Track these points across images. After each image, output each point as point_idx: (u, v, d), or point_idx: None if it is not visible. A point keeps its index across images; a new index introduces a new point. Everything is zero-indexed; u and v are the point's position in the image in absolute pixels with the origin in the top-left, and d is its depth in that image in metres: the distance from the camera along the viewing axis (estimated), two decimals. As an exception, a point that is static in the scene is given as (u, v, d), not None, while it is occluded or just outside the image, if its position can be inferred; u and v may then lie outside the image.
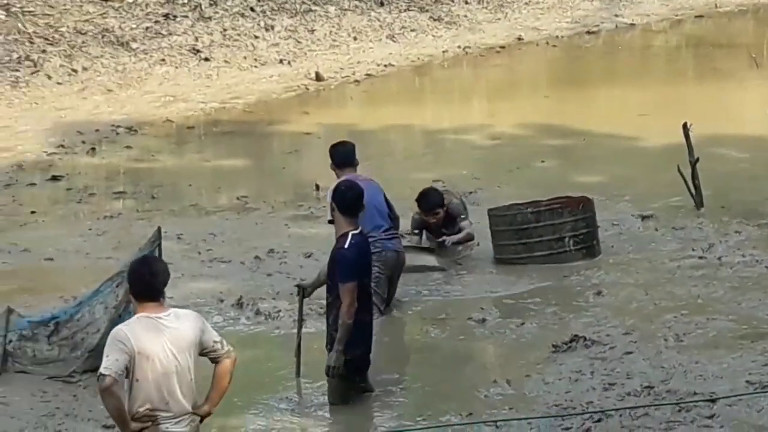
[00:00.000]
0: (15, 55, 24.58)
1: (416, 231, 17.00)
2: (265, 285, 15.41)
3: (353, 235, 12.10)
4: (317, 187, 14.29)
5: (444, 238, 16.77)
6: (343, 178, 13.62)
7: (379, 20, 28.59)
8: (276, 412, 12.79)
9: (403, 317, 14.49)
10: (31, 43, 25.14)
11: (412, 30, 28.46)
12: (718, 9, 31.23)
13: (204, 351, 9.84)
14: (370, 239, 13.52)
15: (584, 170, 18.46)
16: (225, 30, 27.06)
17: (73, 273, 15.48)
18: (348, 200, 12.32)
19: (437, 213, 16.31)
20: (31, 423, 11.87)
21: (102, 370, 9.32)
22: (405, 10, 29.14)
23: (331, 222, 12.71)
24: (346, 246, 11.90)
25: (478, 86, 25.99)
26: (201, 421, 9.90)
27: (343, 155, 13.27)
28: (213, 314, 14.22)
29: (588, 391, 12.46)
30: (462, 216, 16.86)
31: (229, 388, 9.82)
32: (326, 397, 12.68)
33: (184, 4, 27.60)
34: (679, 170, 17.69)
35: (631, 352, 13.29)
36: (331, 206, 12.35)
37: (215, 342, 9.71)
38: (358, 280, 11.91)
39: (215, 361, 9.63)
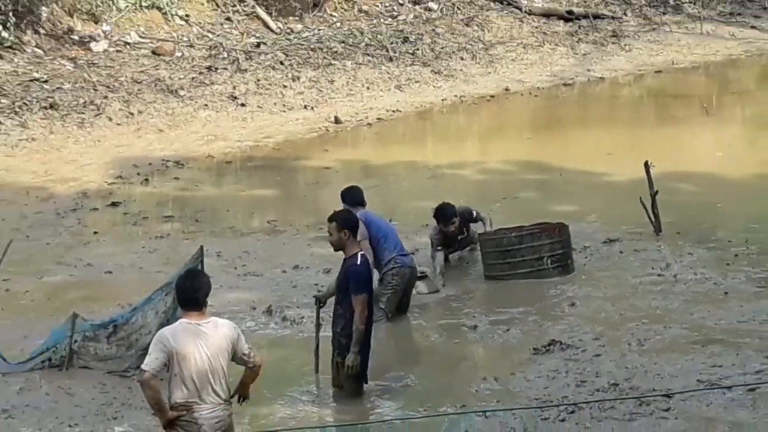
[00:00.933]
0: (81, 101, 24.54)
1: (439, 247, 16.68)
2: (291, 295, 15.39)
3: (361, 254, 12.18)
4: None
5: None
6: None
7: (388, 73, 28.58)
8: (299, 403, 12.82)
9: (407, 323, 14.47)
10: (95, 90, 25.10)
11: (416, 81, 28.44)
12: (674, 65, 31.18)
13: (235, 358, 10.08)
14: (391, 257, 14.37)
15: (560, 201, 18.43)
16: (258, 80, 27.03)
17: (128, 284, 15.46)
18: (354, 223, 12.44)
19: (453, 222, 16.27)
20: (92, 410, 11.87)
21: (143, 365, 9.69)
22: (410, 65, 29.13)
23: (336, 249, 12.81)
24: (358, 263, 11.94)
25: (471, 129, 25.96)
26: (241, 400, 10.23)
27: (354, 197, 13.24)
28: (246, 320, 14.21)
29: (563, 387, 12.46)
30: (473, 211, 17.05)
31: (259, 383, 10.14)
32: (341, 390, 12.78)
33: (224, 59, 27.59)
34: (641, 201, 17.67)
35: (599, 355, 13.28)
36: (343, 233, 12.46)
37: (245, 354, 9.98)
38: (367, 292, 11.97)
39: (248, 367, 10.01)
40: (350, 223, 12.32)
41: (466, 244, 17.13)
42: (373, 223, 14.16)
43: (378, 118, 25.97)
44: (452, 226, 16.30)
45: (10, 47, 25.33)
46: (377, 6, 31.56)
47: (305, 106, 26.36)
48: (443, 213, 16.38)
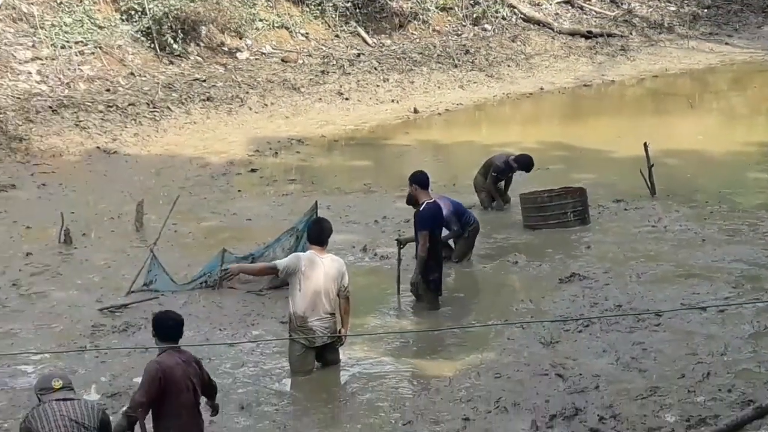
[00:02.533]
0: (229, 95, 24.60)
1: (500, 176, 17.39)
2: (380, 238, 15.43)
3: (427, 203, 12.38)
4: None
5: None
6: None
7: (453, 76, 28.40)
8: (385, 315, 13.09)
9: (469, 261, 14.48)
10: (240, 87, 25.14)
11: (474, 83, 28.24)
12: (667, 72, 30.79)
13: (337, 288, 10.50)
14: (465, 214, 14.67)
15: (580, 171, 18.35)
16: (358, 81, 26.96)
17: (263, 228, 15.53)
18: (424, 177, 12.70)
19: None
20: (236, 318, 12.09)
21: (278, 261, 10.70)
22: (470, 70, 28.93)
23: (408, 203, 13.23)
24: (421, 209, 12.33)
25: (514, 118, 25.81)
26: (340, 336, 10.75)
27: (425, 180, 13.00)
28: (348, 255, 14.22)
29: (580, 307, 12.53)
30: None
31: (355, 304, 10.77)
32: (413, 306, 13.07)
33: (333, 65, 27.54)
34: (641, 171, 17.50)
35: (608, 284, 13.24)
36: (414, 188, 12.68)
37: (344, 286, 10.57)
38: (429, 230, 12.24)
39: (342, 296, 10.56)
40: (418, 179, 12.62)
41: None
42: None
43: (446, 109, 25.87)
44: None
45: (178, 56, 25.41)
46: (446, 27, 31.35)
47: (392, 100, 26.28)
48: (531, 162, 17.23)
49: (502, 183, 17.46)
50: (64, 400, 7.30)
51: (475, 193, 17.43)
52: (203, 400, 8.29)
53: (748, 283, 13.16)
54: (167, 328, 8.38)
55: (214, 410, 8.58)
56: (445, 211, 13.36)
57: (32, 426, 7.09)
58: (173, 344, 8.35)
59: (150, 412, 8.08)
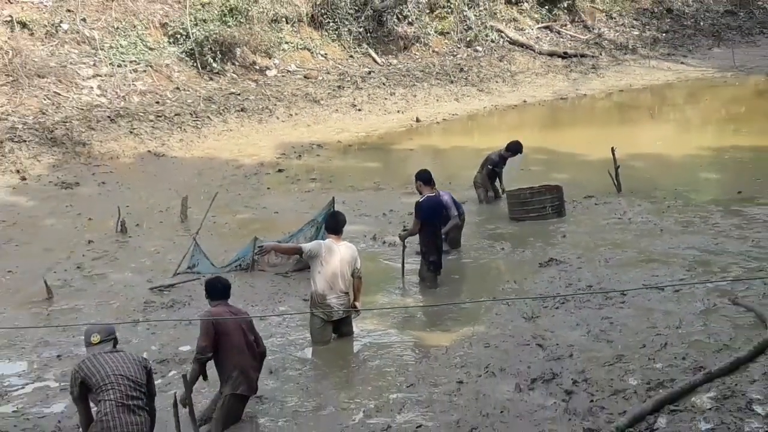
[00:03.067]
0: (260, 106, 24.61)
1: (496, 168, 17.43)
2: (388, 228, 15.39)
3: (427, 196, 12.66)
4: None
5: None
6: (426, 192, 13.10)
7: (450, 90, 28.38)
8: (391, 294, 13.13)
9: (460, 247, 14.46)
10: (269, 100, 25.15)
11: (467, 96, 28.22)
12: (631, 87, 30.70)
13: (351, 270, 10.66)
14: (459, 208, 14.61)
15: (557, 171, 18.31)
16: (369, 95, 26.95)
17: (288, 220, 15.52)
18: (427, 174, 12.94)
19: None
20: (265, 296, 12.15)
21: (303, 244, 11.09)
22: (464, 86, 28.91)
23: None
24: (420, 200, 12.58)
25: (501, 126, 25.73)
26: (355, 310, 10.99)
27: (426, 177, 13.09)
28: (360, 242, 14.21)
29: (557, 287, 12.50)
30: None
31: (365, 286, 10.85)
32: (415, 286, 13.15)
33: (348, 81, 27.55)
34: (608, 172, 17.43)
35: (580, 267, 13.22)
36: (418, 184, 12.96)
37: (357, 268, 10.73)
38: (423, 219, 12.51)
39: (355, 277, 10.72)
40: (421, 176, 12.91)
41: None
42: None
43: (443, 119, 25.85)
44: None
45: (217, 73, 25.41)
46: (444, 48, 31.32)
47: (398, 111, 26.26)
48: (519, 145, 17.26)
49: (497, 181, 17.57)
50: (111, 352, 7.38)
51: (474, 188, 17.51)
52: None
53: (699, 266, 13.12)
54: (217, 289, 9.00)
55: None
56: (446, 198, 13.96)
57: (83, 374, 7.24)
58: (220, 301, 8.98)
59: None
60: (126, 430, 7.12)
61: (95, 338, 7.50)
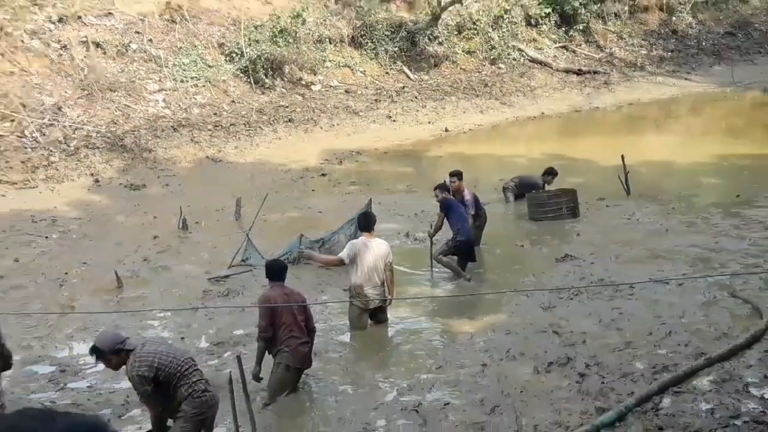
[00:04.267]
0: (306, 117, 24.69)
1: (516, 195, 17.34)
2: (419, 226, 15.35)
3: (444, 198, 13.34)
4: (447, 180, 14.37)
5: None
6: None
7: (476, 104, 28.31)
8: (421, 285, 13.19)
9: (482, 246, 14.41)
10: (313, 112, 25.31)
11: (491, 109, 28.16)
12: (640, 101, 30.51)
13: (384, 264, 10.70)
14: (480, 208, 14.63)
15: (573, 176, 18.20)
16: (403, 107, 26.96)
17: (330, 219, 15.53)
18: (442, 186, 13.59)
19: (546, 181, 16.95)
20: (309, 286, 12.16)
21: (341, 254, 10.74)
22: (488, 99, 28.84)
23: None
24: (445, 199, 13.13)
25: (522, 135, 25.70)
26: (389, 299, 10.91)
27: (444, 186, 13.38)
28: (394, 239, 14.26)
29: (572, 280, 12.54)
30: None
31: (397, 278, 10.49)
32: (443, 278, 13.24)
33: (384, 95, 27.59)
34: (619, 177, 17.38)
35: (593, 263, 13.20)
36: (437, 192, 13.49)
37: (390, 262, 10.74)
38: (444, 213, 13.18)
39: (387, 270, 10.73)
40: (441, 185, 13.48)
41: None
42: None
43: (469, 129, 25.83)
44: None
45: (268, 88, 25.48)
46: (470, 66, 31.24)
47: (428, 122, 26.23)
48: (550, 172, 17.00)
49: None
50: (158, 343, 7.42)
51: (503, 191, 17.57)
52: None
53: (701, 263, 13.09)
54: (273, 270, 9.38)
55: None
56: (468, 196, 14.16)
57: (156, 367, 6.94)
58: (280, 282, 9.27)
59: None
60: (216, 400, 7.29)
61: (124, 344, 7.06)
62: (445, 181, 13.93)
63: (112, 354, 6.98)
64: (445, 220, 13.20)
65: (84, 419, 1.21)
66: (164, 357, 6.94)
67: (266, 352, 9.00)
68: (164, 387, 6.92)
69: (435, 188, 13.56)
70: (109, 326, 11.15)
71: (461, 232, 12.90)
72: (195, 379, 7.04)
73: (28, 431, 1.14)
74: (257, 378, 8.75)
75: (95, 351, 7.09)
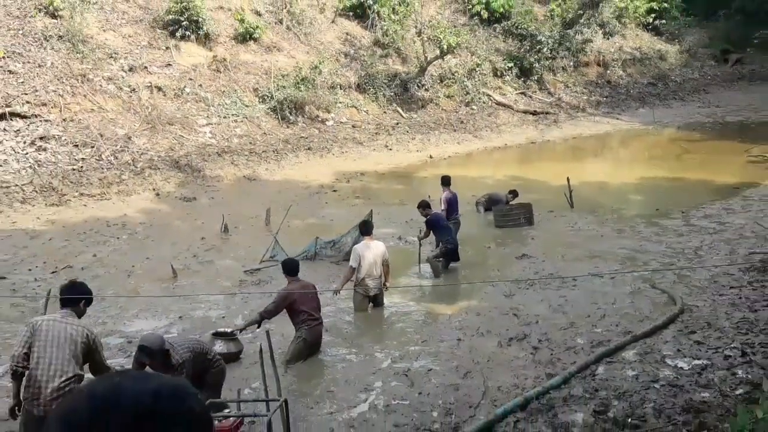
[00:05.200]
0: (321, 146, 24.66)
1: (486, 208, 17.26)
2: (408, 230, 15.31)
3: (435, 213, 13.15)
4: (429, 197, 14.37)
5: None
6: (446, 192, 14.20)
7: (454, 137, 28.22)
8: (411, 277, 13.10)
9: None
10: (327, 142, 25.24)
11: (466, 140, 28.07)
12: (581, 135, 30.47)
13: (382, 260, 10.73)
14: (456, 213, 14.38)
15: (529, 193, 18.11)
16: (397, 139, 26.87)
17: (341, 225, 15.42)
18: (423, 204, 13.52)
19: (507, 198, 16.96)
20: (323, 277, 12.05)
21: (351, 262, 10.60)
22: (464, 132, 28.77)
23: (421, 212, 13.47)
24: (428, 217, 13.02)
25: (489, 161, 25.62)
26: (386, 288, 10.86)
27: (426, 204, 13.40)
28: (390, 240, 14.19)
29: (528, 273, 12.52)
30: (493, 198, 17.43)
31: (392, 272, 9.98)
32: (427, 272, 12.91)
33: (382, 129, 27.57)
34: (565, 194, 17.42)
35: (544, 261, 13.23)
36: (420, 209, 13.52)
37: (386, 259, 10.68)
38: (430, 228, 13.10)
39: (384, 265, 10.74)
40: (422, 204, 13.40)
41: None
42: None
43: (449, 156, 25.78)
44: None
45: (291, 123, 25.45)
46: (449, 107, 31.17)
47: (417, 150, 26.17)
48: (512, 193, 17.00)
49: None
50: (176, 340, 7.41)
51: (476, 205, 17.54)
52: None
53: (628, 261, 13.11)
54: (287, 266, 9.55)
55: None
56: (451, 197, 14.35)
57: (199, 351, 7.15)
58: (295, 277, 9.41)
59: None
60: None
61: (167, 345, 6.89)
62: (429, 195, 14.00)
63: (159, 352, 6.72)
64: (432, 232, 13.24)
65: (171, 381, 1.22)
66: (203, 344, 7.39)
67: (257, 325, 9.28)
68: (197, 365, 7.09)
69: (418, 207, 13.57)
70: (164, 308, 11.17)
71: (449, 242, 12.88)
72: (218, 356, 7.53)
73: (127, 387, 1.15)
74: (242, 330, 9.33)
75: (144, 350, 6.73)
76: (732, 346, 8.72)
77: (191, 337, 7.26)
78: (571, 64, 36.97)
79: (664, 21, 42.61)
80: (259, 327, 9.23)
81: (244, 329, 9.34)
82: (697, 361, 8.40)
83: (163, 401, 1.17)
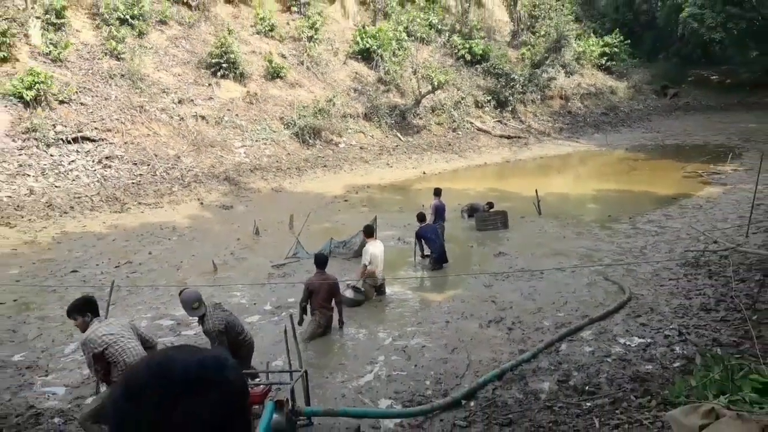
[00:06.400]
0: (335, 164, 24.65)
1: (469, 215, 17.04)
2: (407, 234, 15.17)
3: (422, 225, 12.83)
4: (423, 206, 14.29)
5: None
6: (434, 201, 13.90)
7: (443, 156, 28.16)
8: (408, 270, 12.87)
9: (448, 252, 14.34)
10: (339, 161, 25.23)
11: (453, 159, 28.02)
12: (547, 155, 30.34)
13: (383, 257, 10.71)
14: (443, 219, 14.18)
15: (504, 202, 18.08)
16: (397, 158, 26.86)
17: (352, 227, 15.39)
18: (420, 216, 13.20)
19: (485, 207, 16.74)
20: (338, 271, 11.83)
21: (363, 260, 10.56)
22: (451, 153, 28.70)
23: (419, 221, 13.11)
24: (421, 227, 12.68)
25: (473, 177, 25.48)
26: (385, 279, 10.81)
27: (422, 216, 13.19)
28: (390, 242, 14.17)
29: (505, 267, 12.35)
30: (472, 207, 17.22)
31: (391, 266, 9.61)
32: (422, 267, 12.85)
33: (384, 150, 27.55)
34: (533, 203, 17.38)
35: (518, 257, 13.14)
36: (417, 217, 13.14)
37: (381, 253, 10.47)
38: (420, 236, 12.66)
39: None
40: (419, 216, 13.00)
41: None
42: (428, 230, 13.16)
43: (439, 172, 25.68)
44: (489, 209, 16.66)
45: (311, 145, 25.46)
46: (439, 132, 31.13)
47: (413, 168, 26.12)
48: (489, 204, 16.77)
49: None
50: (222, 310, 7.18)
51: (461, 212, 17.36)
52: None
53: (586, 257, 13.01)
54: (319, 261, 9.47)
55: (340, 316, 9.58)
56: (438, 205, 14.21)
57: (228, 322, 7.06)
58: (321, 270, 9.35)
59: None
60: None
61: (195, 305, 6.90)
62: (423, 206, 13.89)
63: (188, 307, 6.83)
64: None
65: (213, 353, 1.24)
66: (231, 319, 7.11)
67: (303, 311, 9.23)
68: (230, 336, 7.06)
69: (417, 216, 13.31)
70: (206, 296, 11.15)
71: (435, 251, 12.66)
72: (246, 333, 7.33)
73: (177, 358, 1.18)
74: (300, 322, 9.06)
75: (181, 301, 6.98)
76: (671, 327, 8.70)
77: (226, 312, 7.24)
78: (539, 97, 36.96)
79: (614, 62, 42.68)
80: (305, 312, 9.28)
81: (301, 319, 9.17)
82: (642, 340, 8.38)
83: (206, 370, 1.19)
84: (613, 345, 8.27)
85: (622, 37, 42.40)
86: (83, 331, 5.74)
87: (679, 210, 17.78)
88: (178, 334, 9.45)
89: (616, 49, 42.27)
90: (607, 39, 42.33)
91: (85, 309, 5.73)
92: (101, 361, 5.56)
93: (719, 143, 31.75)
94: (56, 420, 6.78)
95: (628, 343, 8.31)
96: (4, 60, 20.42)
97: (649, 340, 8.31)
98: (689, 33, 42.04)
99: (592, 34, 43.07)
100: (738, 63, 46.24)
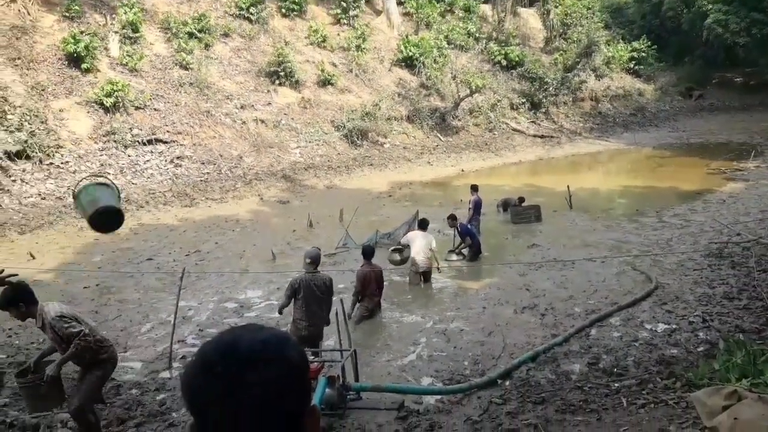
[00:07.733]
0: (380, 163, 24.64)
1: (504, 209, 16.68)
2: (446, 226, 15.00)
3: (460, 223, 12.78)
4: (461, 200, 14.14)
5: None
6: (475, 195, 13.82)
7: (480, 155, 27.86)
8: (447, 261, 12.74)
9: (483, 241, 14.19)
10: (385, 159, 25.23)
11: (489, 158, 27.69)
12: (579, 153, 29.82)
13: (429, 247, 10.53)
14: (478, 215, 13.95)
15: (538, 197, 17.82)
16: (437, 157, 26.70)
17: (394, 221, 15.35)
18: (452, 216, 12.92)
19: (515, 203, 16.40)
20: (382, 261, 11.86)
21: (405, 254, 10.72)
22: (488, 152, 28.39)
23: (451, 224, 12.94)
24: (459, 226, 12.60)
25: (507, 173, 25.19)
26: (438, 270, 11.01)
27: (475, 187, 13.23)
28: (430, 233, 14.13)
29: (537, 258, 12.24)
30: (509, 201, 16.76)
31: (434, 256, 9.54)
32: (462, 257, 12.77)
33: (426, 149, 27.39)
34: (565, 198, 17.11)
35: (549, 249, 13.00)
36: (450, 221, 12.84)
37: (433, 248, 10.66)
38: (465, 233, 12.50)
39: (432, 251, 10.52)
40: (450, 216, 12.74)
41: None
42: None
43: (476, 170, 25.37)
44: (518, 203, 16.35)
45: (359, 146, 25.57)
46: (477, 132, 30.79)
47: (452, 165, 25.89)
48: (521, 199, 16.38)
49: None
50: (313, 273, 7.25)
51: (497, 206, 17.01)
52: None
53: (615, 249, 12.79)
54: (366, 252, 9.50)
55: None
56: (477, 200, 14.01)
57: (294, 285, 7.25)
58: (367, 261, 9.36)
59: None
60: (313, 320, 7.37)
61: (306, 260, 7.29)
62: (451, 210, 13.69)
63: (318, 259, 7.30)
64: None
65: (277, 332, 1.29)
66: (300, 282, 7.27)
67: (356, 300, 9.28)
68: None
69: (447, 218, 12.99)
70: (266, 281, 11.32)
71: (473, 244, 12.52)
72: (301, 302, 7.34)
73: (244, 337, 1.23)
74: (350, 315, 8.92)
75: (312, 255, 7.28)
76: (695, 314, 8.48)
77: (324, 277, 7.47)
78: (570, 99, 36.20)
79: (641, 66, 41.51)
80: (357, 301, 9.36)
81: (352, 311, 9.21)
82: (667, 326, 8.19)
83: (269, 348, 1.22)
84: (640, 330, 8.11)
85: (649, 43, 41.18)
86: (23, 320, 5.10)
87: (704, 204, 17.25)
88: (241, 316, 9.66)
89: (643, 54, 41.07)
90: (635, 44, 41.14)
91: (16, 300, 4.95)
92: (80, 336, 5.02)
93: (742, 142, 30.60)
94: (134, 391, 7.02)
95: (654, 328, 8.14)
96: (88, 71, 21.10)
97: (674, 326, 8.12)
98: (714, 38, 40.54)
99: (620, 40, 41.90)
100: (761, 65, 44.43)
